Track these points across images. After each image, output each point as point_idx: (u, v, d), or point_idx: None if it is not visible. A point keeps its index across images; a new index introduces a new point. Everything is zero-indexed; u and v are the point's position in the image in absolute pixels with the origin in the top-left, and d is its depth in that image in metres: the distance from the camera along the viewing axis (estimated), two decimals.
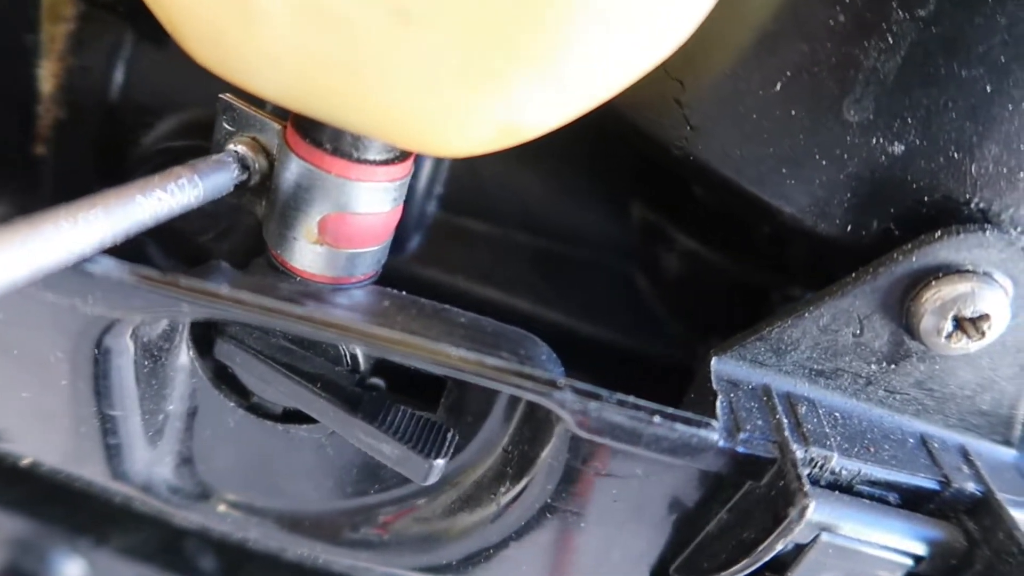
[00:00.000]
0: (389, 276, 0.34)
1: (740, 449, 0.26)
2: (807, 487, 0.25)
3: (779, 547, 0.25)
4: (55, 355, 0.26)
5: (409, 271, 0.40)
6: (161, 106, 0.36)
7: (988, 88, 0.24)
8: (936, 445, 0.29)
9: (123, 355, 0.26)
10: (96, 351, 0.26)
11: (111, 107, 0.36)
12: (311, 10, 0.22)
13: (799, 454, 0.26)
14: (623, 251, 0.41)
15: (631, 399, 0.26)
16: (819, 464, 0.27)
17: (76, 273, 0.23)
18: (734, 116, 0.28)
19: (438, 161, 0.39)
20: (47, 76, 0.35)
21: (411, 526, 0.32)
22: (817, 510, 0.26)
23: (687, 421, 0.26)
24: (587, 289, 0.41)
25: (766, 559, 0.26)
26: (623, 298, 0.42)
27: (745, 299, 0.39)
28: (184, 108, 0.36)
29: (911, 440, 0.29)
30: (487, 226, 0.41)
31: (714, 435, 0.26)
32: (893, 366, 0.29)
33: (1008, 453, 0.30)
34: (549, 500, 0.29)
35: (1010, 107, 0.24)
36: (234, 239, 0.37)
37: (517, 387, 0.25)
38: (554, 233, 0.41)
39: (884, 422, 0.30)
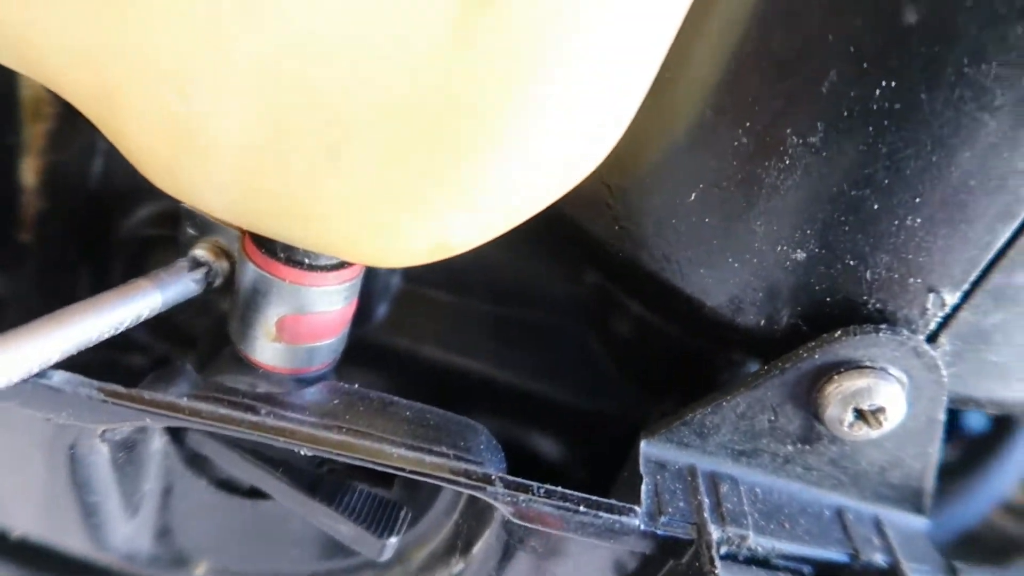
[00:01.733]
0: (357, 346, 0.37)
1: (660, 532, 0.29)
2: (718, 569, 0.27)
3: None
4: (35, 454, 0.29)
5: (376, 340, 0.42)
6: (138, 196, 0.39)
7: (875, 206, 0.26)
8: (851, 517, 0.32)
9: (97, 453, 0.29)
10: (71, 452, 0.29)
11: (91, 197, 0.39)
12: (253, 148, 0.24)
13: (715, 535, 0.29)
14: (579, 316, 0.44)
15: (558, 490, 0.28)
16: (736, 542, 0.29)
17: (47, 390, 0.26)
18: (656, 221, 0.30)
19: None
20: (29, 171, 0.38)
21: None
22: None
23: (610, 508, 0.28)
24: (546, 352, 0.44)
25: None
26: (580, 360, 0.44)
27: (691, 362, 0.41)
28: (160, 198, 0.39)
29: (827, 512, 0.32)
30: (450, 295, 0.44)
31: (635, 520, 0.28)
32: (807, 447, 0.31)
33: (920, 521, 0.33)
34: (490, 561, 0.32)
35: (896, 223, 0.27)
36: (210, 317, 0.40)
37: (454, 484, 0.27)
38: (514, 301, 0.44)
39: (802, 496, 0.32)
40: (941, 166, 0.25)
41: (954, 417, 0.46)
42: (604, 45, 0.23)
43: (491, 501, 0.28)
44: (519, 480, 0.28)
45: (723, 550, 0.29)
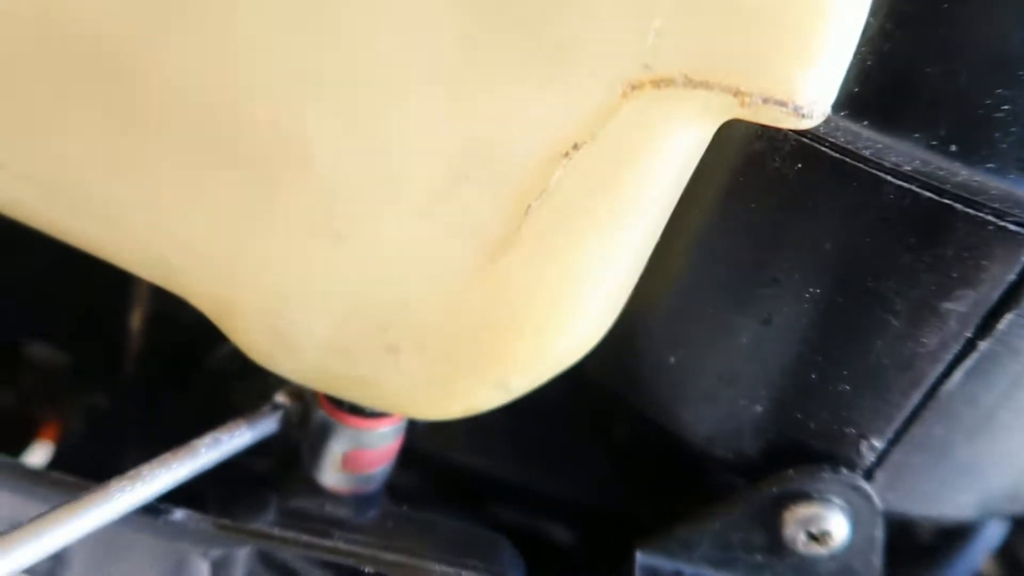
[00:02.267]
0: (402, 450, 0.45)
1: None
2: None
3: None
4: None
5: (416, 445, 0.50)
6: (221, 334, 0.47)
7: (813, 376, 0.34)
8: None
9: (200, 570, 0.37)
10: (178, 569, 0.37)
11: (184, 336, 0.47)
12: (331, 349, 0.32)
13: None
14: (585, 428, 0.51)
15: None
16: None
17: (172, 524, 0.34)
18: (646, 373, 0.38)
19: None
20: (136, 318, 0.47)
21: None
22: None
23: None
24: (556, 457, 0.51)
25: None
26: (586, 463, 0.51)
27: (680, 469, 0.48)
28: None
29: None
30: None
31: None
32: (774, 557, 0.38)
33: None
34: None
35: (830, 388, 0.34)
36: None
37: None
38: (528, 414, 0.51)
39: None
40: (863, 351, 0.33)
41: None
42: (609, 256, 0.30)
43: None
44: None
45: None
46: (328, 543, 0.35)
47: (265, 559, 0.40)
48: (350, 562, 0.35)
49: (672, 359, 0.37)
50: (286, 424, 0.39)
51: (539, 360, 0.32)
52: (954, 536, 0.50)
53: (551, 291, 0.31)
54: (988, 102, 0.27)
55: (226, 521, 0.34)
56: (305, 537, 0.34)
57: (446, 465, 0.51)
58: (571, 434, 0.52)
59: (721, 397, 0.36)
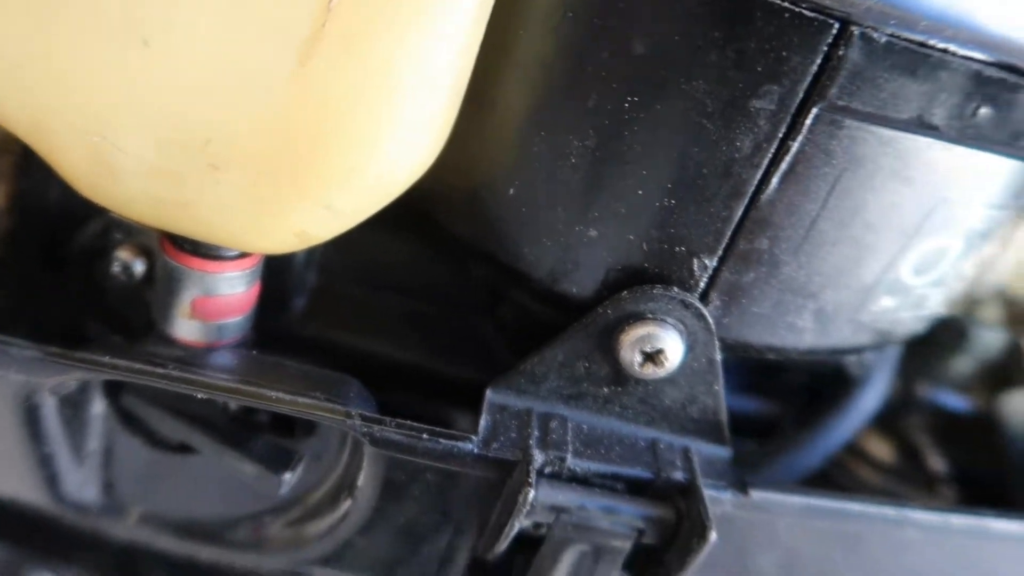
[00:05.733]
0: (278, 336, 0.44)
1: (491, 455, 0.36)
2: (532, 479, 0.34)
3: (517, 524, 0.35)
4: (3, 410, 0.37)
5: (294, 330, 0.50)
6: (87, 213, 0.47)
7: (640, 192, 0.34)
8: (662, 446, 0.39)
9: (47, 407, 0.37)
10: (27, 404, 0.36)
11: (51, 216, 0.47)
12: (154, 170, 0.32)
13: (538, 457, 0.36)
14: (471, 306, 0.51)
15: (407, 423, 0.35)
16: (556, 464, 0.37)
17: (7, 355, 0.34)
18: (489, 214, 0.38)
19: None
20: (1, 196, 0.46)
21: (282, 531, 0.42)
22: (555, 496, 0.36)
23: (449, 436, 0.35)
24: (444, 337, 0.51)
25: (512, 535, 0.36)
26: (474, 343, 0.52)
27: None
28: (104, 212, 0.47)
29: (642, 443, 0.39)
30: (360, 290, 0.51)
31: (470, 445, 0.36)
32: (621, 388, 0.38)
33: (723, 450, 0.40)
34: (375, 503, 0.39)
35: (657, 204, 0.34)
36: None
37: (319, 418, 0.35)
38: (417, 293, 0.52)
39: (622, 430, 0.39)
40: (682, 161, 0.33)
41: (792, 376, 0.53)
42: (419, 62, 0.31)
43: (352, 432, 0.35)
44: (374, 415, 0.35)
45: (547, 470, 0.37)
46: (160, 370, 0.34)
47: (113, 392, 0.40)
48: (180, 388, 0.34)
49: (510, 191, 0.37)
50: (128, 278, 0.39)
51: (359, 176, 0.32)
52: (824, 406, 0.51)
53: (363, 97, 0.31)
54: None
55: (54, 348, 0.34)
56: (138, 364, 0.34)
57: (329, 349, 0.51)
58: (459, 314, 0.52)
59: (557, 225, 0.36)
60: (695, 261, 0.36)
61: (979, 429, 0.58)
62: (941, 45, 0.30)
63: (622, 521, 0.37)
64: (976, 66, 0.31)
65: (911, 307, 0.40)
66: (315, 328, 0.50)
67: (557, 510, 0.36)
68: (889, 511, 0.40)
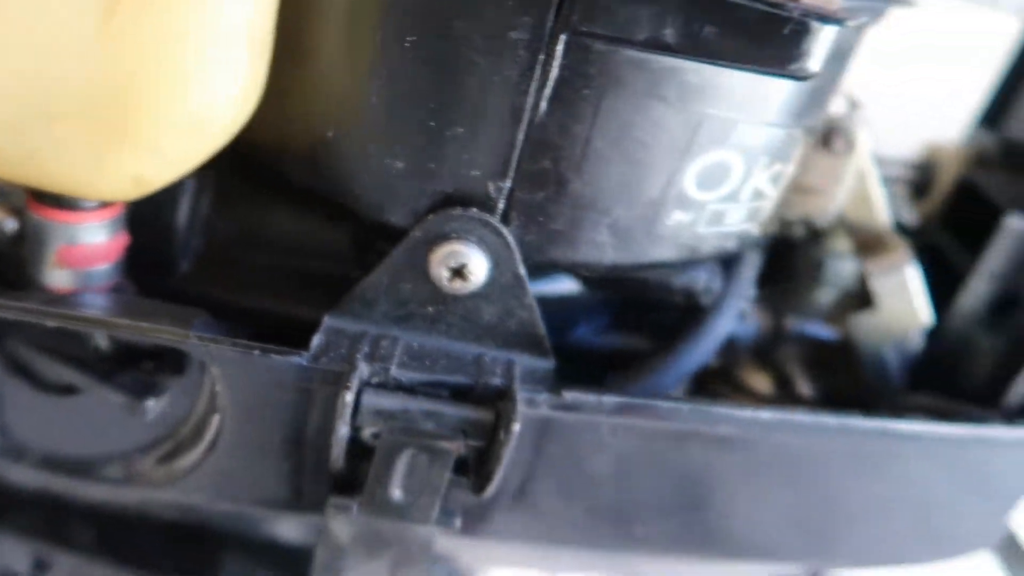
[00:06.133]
0: (161, 294, 0.49)
1: (319, 367, 0.40)
2: (351, 384, 0.39)
3: (342, 429, 0.39)
4: None
5: (178, 289, 0.54)
6: None
7: (432, 124, 0.39)
8: (487, 359, 0.43)
9: None
10: None
11: None
12: None
13: (363, 368, 0.40)
14: (344, 260, 0.56)
15: (241, 341, 0.40)
16: (382, 374, 0.41)
17: None
18: (315, 159, 0.43)
19: (194, 205, 0.54)
20: None
21: (156, 467, 0.47)
22: (381, 403, 0.40)
23: (279, 352, 0.40)
24: (321, 290, 0.56)
25: (342, 441, 0.40)
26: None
27: None
28: None
29: (469, 356, 0.43)
30: (241, 250, 0.56)
31: (299, 359, 0.40)
32: (443, 307, 0.43)
33: (545, 362, 0.44)
34: (234, 427, 0.43)
35: (449, 134, 0.39)
36: None
37: (161, 339, 0.39)
38: (295, 251, 0.56)
39: (451, 347, 0.43)
40: (463, 92, 0.38)
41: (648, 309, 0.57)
42: (213, 14, 0.35)
43: (192, 352, 0.40)
44: (211, 335, 0.40)
45: (373, 380, 0.41)
46: (16, 302, 0.39)
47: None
48: (36, 318, 0.39)
49: (329, 134, 0.41)
50: (3, 237, 0.44)
51: (176, 120, 0.37)
52: (678, 334, 0.55)
53: (166, 49, 0.35)
54: None
55: None
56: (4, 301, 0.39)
57: (214, 307, 0.55)
58: (342, 269, 0.56)
59: (372, 161, 0.41)
60: (490, 184, 0.40)
61: (841, 354, 0.62)
62: None
63: (445, 424, 0.41)
64: None
65: (708, 222, 0.44)
66: (201, 288, 0.55)
67: (384, 416, 0.40)
68: (707, 409, 0.44)
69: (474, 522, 0.46)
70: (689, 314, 0.55)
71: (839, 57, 0.45)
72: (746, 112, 0.40)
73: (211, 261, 0.55)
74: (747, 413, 0.44)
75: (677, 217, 0.43)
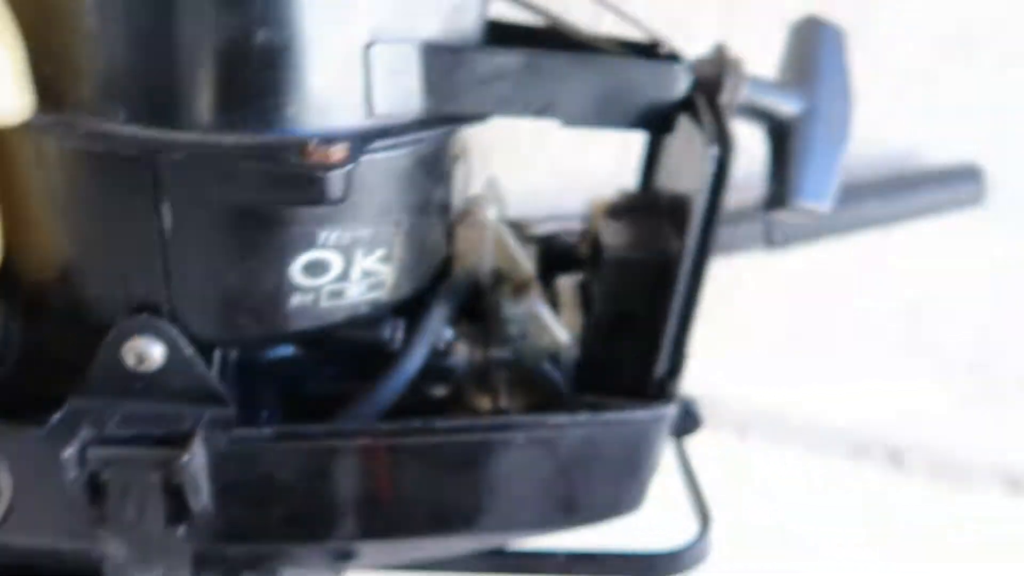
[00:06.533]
0: None
1: (54, 435, 0.59)
2: (73, 443, 0.58)
3: (71, 475, 0.58)
4: None
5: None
6: None
7: None
8: (181, 414, 0.62)
9: None
10: None
11: None
12: None
13: (85, 432, 0.59)
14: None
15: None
16: (100, 434, 0.59)
17: None
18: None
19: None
20: None
21: None
22: (104, 454, 0.59)
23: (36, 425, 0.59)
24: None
25: (74, 486, 0.58)
26: None
27: None
28: None
29: (169, 414, 0.62)
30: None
31: (41, 431, 0.59)
32: (141, 382, 0.61)
33: (227, 410, 0.63)
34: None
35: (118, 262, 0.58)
36: None
37: None
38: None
39: (155, 408, 0.62)
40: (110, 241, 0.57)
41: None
42: None
43: None
44: None
45: (95, 439, 0.59)
46: None
47: None
48: None
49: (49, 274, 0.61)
50: None
51: None
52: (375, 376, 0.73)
53: None
54: None
55: None
56: None
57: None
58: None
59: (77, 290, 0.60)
60: (155, 296, 0.59)
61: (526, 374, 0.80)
62: None
63: (151, 463, 0.59)
64: None
65: (330, 299, 0.63)
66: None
67: (107, 462, 0.59)
68: (339, 428, 0.63)
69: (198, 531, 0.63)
70: (382, 360, 0.73)
71: (416, 166, 0.64)
72: (320, 224, 0.59)
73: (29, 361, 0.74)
74: (384, 426, 0.63)
75: (298, 299, 0.62)
